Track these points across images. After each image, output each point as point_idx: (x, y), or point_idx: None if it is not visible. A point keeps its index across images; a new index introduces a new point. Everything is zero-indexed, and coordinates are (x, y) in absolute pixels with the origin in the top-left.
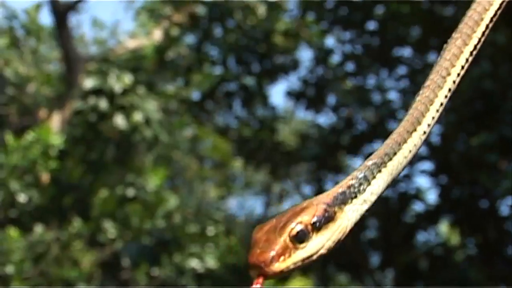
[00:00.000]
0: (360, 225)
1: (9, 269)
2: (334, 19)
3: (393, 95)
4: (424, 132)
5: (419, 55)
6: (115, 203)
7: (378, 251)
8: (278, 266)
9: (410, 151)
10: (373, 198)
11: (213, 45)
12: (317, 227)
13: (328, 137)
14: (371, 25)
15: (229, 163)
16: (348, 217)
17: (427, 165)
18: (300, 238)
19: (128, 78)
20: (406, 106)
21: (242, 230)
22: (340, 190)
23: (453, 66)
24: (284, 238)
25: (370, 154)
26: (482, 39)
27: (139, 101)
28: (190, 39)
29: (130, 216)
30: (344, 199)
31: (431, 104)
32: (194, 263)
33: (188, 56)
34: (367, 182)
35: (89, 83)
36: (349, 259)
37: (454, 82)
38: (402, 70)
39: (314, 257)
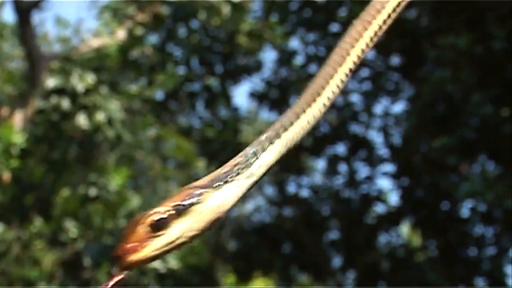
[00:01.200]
0: (321, 226)
1: None
2: (297, 21)
3: (355, 98)
4: (324, 105)
5: (381, 57)
6: (77, 202)
7: (340, 252)
8: (136, 256)
9: (308, 122)
10: (260, 170)
11: (176, 45)
12: (177, 213)
13: None
14: (335, 27)
15: (192, 163)
16: (222, 196)
17: (389, 167)
18: (157, 226)
19: (91, 78)
20: (367, 108)
21: None
22: (224, 170)
23: (353, 47)
24: (141, 228)
25: (333, 155)
26: (383, 27)
27: (101, 101)
28: (153, 38)
29: (92, 216)
30: (224, 178)
31: (331, 79)
32: (156, 263)
33: (151, 55)
34: (255, 157)
35: (51, 82)
36: (311, 260)
37: (354, 62)
38: (364, 72)
39: (173, 244)
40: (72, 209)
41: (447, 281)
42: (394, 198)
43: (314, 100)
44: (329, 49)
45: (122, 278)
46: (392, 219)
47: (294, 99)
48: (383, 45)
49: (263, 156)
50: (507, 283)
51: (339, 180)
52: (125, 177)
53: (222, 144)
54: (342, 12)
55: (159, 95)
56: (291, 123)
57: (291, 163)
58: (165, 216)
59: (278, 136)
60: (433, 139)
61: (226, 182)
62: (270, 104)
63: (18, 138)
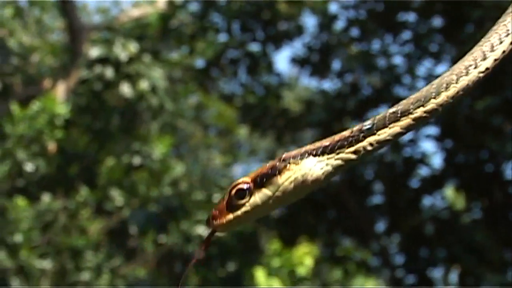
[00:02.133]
0: (365, 190)
1: (18, 238)
2: None
3: (398, 60)
4: (480, 72)
5: (423, 20)
6: (122, 171)
7: (384, 216)
8: (220, 221)
9: (456, 92)
10: (369, 147)
11: (217, 13)
12: (258, 184)
13: (333, 102)
14: None
15: (234, 130)
16: (304, 168)
17: (432, 130)
18: (240, 195)
19: (133, 46)
20: (411, 71)
21: None
22: (325, 144)
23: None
24: (227, 197)
25: None
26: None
27: (144, 69)
28: (193, 6)
29: (136, 184)
30: (319, 152)
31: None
32: (200, 230)
33: (192, 24)
34: (371, 133)
35: (94, 52)
36: (355, 224)
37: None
38: (406, 35)
39: (253, 213)
40: (116, 178)
41: (492, 243)
42: (437, 161)
43: (467, 73)
44: (370, 12)
45: (211, 239)
46: (436, 182)
47: (335, 63)
48: (424, 7)
49: (381, 132)
50: None
51: None
52: (168, 145)
53: (263, 111)
54: None
55: (200, 63)
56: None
57: (334, 126)
58: (246, 186)
59: (410, 112)
60: (476, 100)
61: (316, 155)
62: (312, 69)
63: (62, 109)
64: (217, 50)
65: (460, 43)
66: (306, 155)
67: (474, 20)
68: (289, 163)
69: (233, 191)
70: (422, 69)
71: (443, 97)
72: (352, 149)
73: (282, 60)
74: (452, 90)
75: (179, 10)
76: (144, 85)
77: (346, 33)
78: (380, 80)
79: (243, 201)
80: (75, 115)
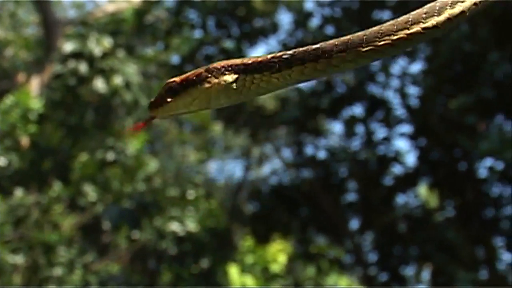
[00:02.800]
0: (339, 188)
1: None
2: None
3: None
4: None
5: (398, 16)
6: (95, 166)
7: (357, 214)
8: (157, 110)
9: None
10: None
11: (192, 9)
12: (183, 86)
13: (307, 100)
14: None
15: (208, 126)
16: (222, 84)
17: (406, 128)
18: (170, 92)
19: (107, 42)
20: (385, 69)
21: (222, 193)
22: (247, 62)
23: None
24: (161, 90)
25: (350, 116)
26: None
27: (119, 65)
28: (169, 2)
29: (110, 180)
30: (240, 69)
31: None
32: (174, 226)
33: (167, 19)
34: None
35: (68, 46)
36: (329, 221)
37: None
38: None
39: (178, 108)
40: (90, 173)
41: (464, 241)
42: (411, 159)
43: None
44: (345, 10)
45: (149, 121)
46: (409, 180)
47: None
48: (399, 5)
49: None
50: None
51: (356, 142)
52: (142, 141)
53: (238, 107)
54: None
55: (175, 59)
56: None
57: (308, 125)
58: (175, 86)
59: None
60: (450, 99)
61: (237, 72)
62: None
63: (35, 104)
64: (192, 46)
65: (434, 41)
66: (229, 69)
67: None
68: (212, 75)
69: (165, 87)
70: (396, 67)
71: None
72: (273, 75)
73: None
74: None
75: (155, 5)
76: (118, 80)
77: (321, 30)
78: (354, 78)
79: (172, 97)
80: (49, 109)
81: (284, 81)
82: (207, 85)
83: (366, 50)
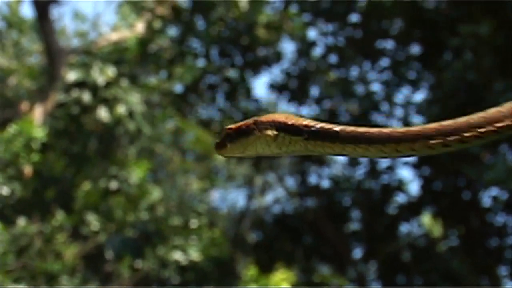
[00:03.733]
0: (343, 217)
1: None
2: (316, 12)
3: (376, 87)
4: None
5: (401, 47)
6: (98, 195)
7: (361, 243)
8: (221, 151)
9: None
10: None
11: (195, 38)
12: (237, 135)
13: None
14: (354, 18)
15: (211, 155)
16: (265, 139)
17: (410, 157)
18: (228, 137)
19: (111, 71)
20: (388, 98)
21: (225, 222)
22: (288, 122)
23: None
24: (223, 134)
25: None
26: None
27: (122, 94)
28: (172, 31)
29: (113, 209)
30: (281, 128)
31: None
32: (177, 256)
33: (170, 48)
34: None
35: (72, 75)
36: (332, 250)
37: None
38: (385, 62)
39: (233, 153)
40: (93, 202)
41: (468, 270)
42: (414, 188)
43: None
44: (348, 39)
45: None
46: (413, 209)
47: (313, 90)
48: (403, 35)
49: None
50: None
51: (360, 171)
52: (145, 170)
53: None
54: (361, 3)
55: (178, 87)
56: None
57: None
58: (231, 133)
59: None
60: None
61: (278, 129)
62: (290, 95)
63: (39, 133)
64: (196, 75)
65: (437, 70)
66: (272, 125)
67: (451, 48)
68: (257, 128)
69: (224, 133)
70: (400, 96)
71: None
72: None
73: (260, 86)
74: None
75: (158, 34)
76: (121, 109)
77: (324, 59)
78: (358, 107)
79: (229, 143)
80: (52, 138)
81: (319, 150)
82: (253, 137)
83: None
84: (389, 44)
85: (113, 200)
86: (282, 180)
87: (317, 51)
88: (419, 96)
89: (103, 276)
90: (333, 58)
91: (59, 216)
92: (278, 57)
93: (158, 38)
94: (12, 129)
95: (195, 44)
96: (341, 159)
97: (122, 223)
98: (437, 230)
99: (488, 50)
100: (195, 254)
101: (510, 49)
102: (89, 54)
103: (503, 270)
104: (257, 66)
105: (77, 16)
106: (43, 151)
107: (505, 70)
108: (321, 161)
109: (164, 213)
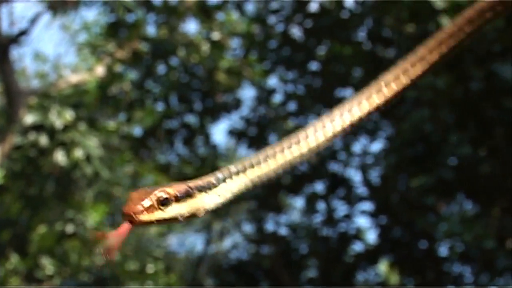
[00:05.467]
0: (299, 264)
1: None
2: (277, 59)
3: None
4: (298, 153)
5: None
6: (54, 239)
7: None
8: (143, 217)
9: (277, 165)
10: (227, 194)
11: (155, 82)
12: (178, 198)
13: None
14: (313, 66)
15: None
16: (204, 200)
17: (367, 206)
18: (163, 202)
19: (69, 114)
20: (346, 148)
21: (182, 267)
22: (200, 182)
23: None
24: (152, 199)
25: (311, 193)
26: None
27: (79, 138)
28: (132, 75)
29: (68, 253)
30: (202, 189)
31: (317, 131)
32: None
33: (130, 92)
34: (223, 182)
35: (29, 118)
36: None
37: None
38: None
39: (172, 220)
40: (48, 245)
41: None
42: (372, 237)
43: (288, 147)
44: (308, 87)
45: (129, 230)
46: (370, 257)
47: (272, 137)
48: (362, 83)
49: (229, 183)
50: None
51: (317, 218)
52: (102, 213)
53: None
54: (321, 51)
55: (137, 131)
56: (259, 163)
57: (269, 201)
58: (168, 197)
59: (243, 171)
60: (411, 178)
61: (202, 192)
62: (249, 141)
63: None
64: (155, 119)
65: (396, 120)
66: (200, 189)
67: (409, 99)
68: (195, 191)
69: (159, 196)
70: (357, 145)
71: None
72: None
73: (219, 131)
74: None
75: (118, 78)
76: (78, 153)
77: (283, 107)
78: (316, 156)
79: (164, 208)
80: (8, 180)
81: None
82: (194, 202)
83: None
84: (348, 93)
85: (68, 243)
86: (239, 226)
87: (277, 98)
88: (377, 146)
89: None
90: (292, 106)
91: (14, 259)
92: (237, 103)
93: (118, 81)
94: None
95: (155, 88)
96: (299, 206)
97: (77, 267)
98: (394, 278)
99: (446, 103)
100: None
101: (467, 102)
102: (47, 97)
103: None
104: (216, 112)
105: (38, 56)
106: (0, 193)
107: (462, 122)
108: (279, 209)
109: (120, 257)
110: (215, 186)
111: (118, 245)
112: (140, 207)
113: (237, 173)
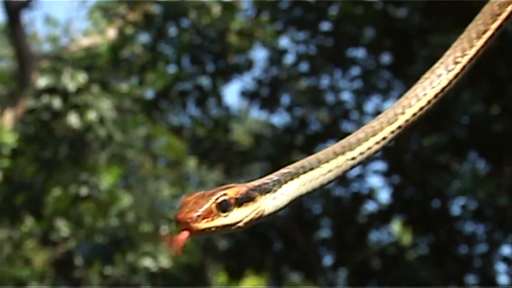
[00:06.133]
0: (313, 224)
1: None
2: (288, 20)
3: (346, 96)
4: (353, 158)
5: (372, 56)
6: (68, 201)
7: (331, 251)
8: (202, 225)
9: (330, 170)
10: (284, 198)
11: (167, 44)
12: (238, 202)
13: (282, 137)
14: (325, 26)
15: (183, 162)
16: (265, 203)
17: (380, 165)
18: (223, 207)
19: (82, 77)
20: (359, 107)
21: None
22: (257, 184)
23: (410, 106)
24: (210, 204)
25: None
26: (446, 89)
27: (93, 100)
28: (144, 37)
29: (83, 215)
30: (262, 191)
31: (372, 135)
32: (147, 262)
33: (142, 54)
34: (279, 185)
35: (42, 81)
36: (302, 258)
37: (407, 121)
38: (355, 71)
39: (233, 227)
40: (63, 208)
41: (438, 279)
42: (385, 196)
43: (343, 153)
44: (319, 48)
45: (186, 240)
46: (383, 217)
47: (284, 98)
48: (373, 43)
49: (285, 187)
50: (498, 281)
51: None
52: (116, 176)
53: (212, 143)
54: (333, 11)
55: (149, 94)
56: (311, 168)
57: (282, 161)
58: (230, 201)
59: (297, 175)
60: (424, 137)
61: (262, 194)
62: (261, 102)
63: (9, 138)
64: (167, 81)
65: (408, 80)
66: (259, 191)
67: (422, 58)
68: (257, 194)
69: (219, 201)
70: (370, 105)
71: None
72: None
73: (231, 93)
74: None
75: (129, 40)
76: (92, 115)
77: (295, 67)
78: (328, 115)
79: (224, 214)
80: (22, 144)
81: None
82: (256, 205)
83: None
84: (360, 53)
85: (83, 206)
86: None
87: (289, 59)
88: (389, 105)
89: (73, 282)
90: (304, 66)
91: (29, 222)
92: (249, 64)
93: (129, 44)
94: None
95: (167, 50)
96: None
97: (92, 229)
98: (406, 238)
99: None
100: (165, 261)
101: (479, 60)
102: (60, 59)
103: (471, 279)
104: (228, 73)
105: (49, 21)
106: (13, 156)
107: (474, 81)
108: None
109: (135, 219)
110: (274, 188)
111: (178, 249)
112: (197, 213)
113: (296, 175)
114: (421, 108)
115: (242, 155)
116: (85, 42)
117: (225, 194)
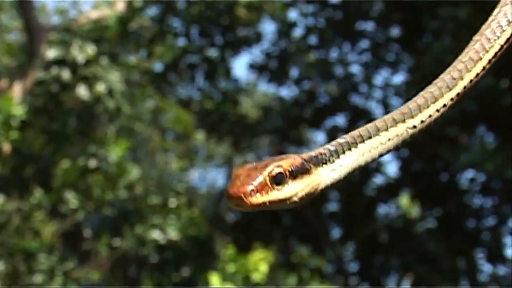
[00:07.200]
0: (321, 197)
1: None
2: None
3: (355, 69)
4: (414, 126)
5: (381, 29)
6: (77, 173)
7: (339, 224)
8: (256, 199)
9: (389, 139)
10: (342, 170)
11: (176, 17)
12: (293, 174)
13: (290, 109)
14: None
15: (191, 135)
16: (321, 175)
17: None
18: (278, 179)
19: (91, 49)
20: (368, 80)
21: (203, 202)
22: (313, 154)
23: (468, 71)
24: (264, 176)
25: (333, 126)
26: (505, 47)
27: (102, 72)
28: (153, 10)
29: (92, 187)
30: (318, 162)
31: (433, 102)
32: (155, 235)
33: (151, 27)
34: (336, 155)
35: (51, 53)
36: (310, 231)
37: (465, 87)
38: (364, 44)
39: (288, 202)
40: (72, 180)
41: (446, 252)
42: (393, 170)
43: (404, 121)
44: (328, 20)
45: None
46: (391, 190)
47: (293, 71)
48: (383, 16)
49: (343, 157)
50: (506, 254)
51: None
52: (124, 148)
53: (221, 116)
54: None
55: (158, 66)
56: (369, 137)
57: (290, 134)
58: (284, 173)
59: (355, 144)
60: None
61: (318, 165)
62: (270, 75)
63: (18, 110)
64: (176, 54)
65: (417, 53)
66: (315, 163)
67: (431, 31)
68: (312, 166)
69: (273, 173)
70: (379, 78)
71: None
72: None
73: (240, 66)
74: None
75: (138, 13)
76: (101, 88)
77: (304, 40)
78: (337, 88)
79: (279, 187)
80: (31, 116)
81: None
82: (312, 177)
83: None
84: (369, 26)
85: (91, 178)
86: (260, 159)
87: (297, 32)
88: (398, 78)
89: (81, 254)
90: (313, 39)
91: (38, 194)
92: (258, 37)
93: (138, 17)
94: None
95: (175, 23)
96: (319, 140)
97: (100, 202)
98: (414, 211)
99: (467, 34)
100: (173, 233)
101: None
102: (69, 31)
103: (479, 252)
104: (237, 46)
105: None
106: (22, 128)
107: None
108: (300, 142)
109: (143, 192)
110: (332, 159)
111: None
112: (250, 187)
113: (354, 144)
114: (477, 74)
115: (251, 128)
116: (94, 14)
117: (279, 166)
